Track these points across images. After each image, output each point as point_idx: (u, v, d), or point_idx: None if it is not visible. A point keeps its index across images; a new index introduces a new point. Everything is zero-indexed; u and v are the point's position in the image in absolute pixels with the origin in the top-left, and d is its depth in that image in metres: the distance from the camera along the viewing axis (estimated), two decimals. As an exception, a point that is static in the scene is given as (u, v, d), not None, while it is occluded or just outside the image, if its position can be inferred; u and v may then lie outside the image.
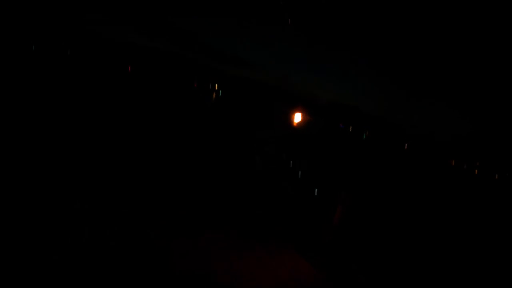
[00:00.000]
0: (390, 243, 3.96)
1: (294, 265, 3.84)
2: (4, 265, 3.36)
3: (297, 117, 4.16)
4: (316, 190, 4.03)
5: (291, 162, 4.12)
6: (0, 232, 3.62)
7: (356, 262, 3.86)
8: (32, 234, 3.68)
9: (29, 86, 4.55)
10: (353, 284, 3.64)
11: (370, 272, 3.89)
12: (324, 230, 3.80)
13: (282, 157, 4.14)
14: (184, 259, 3.76)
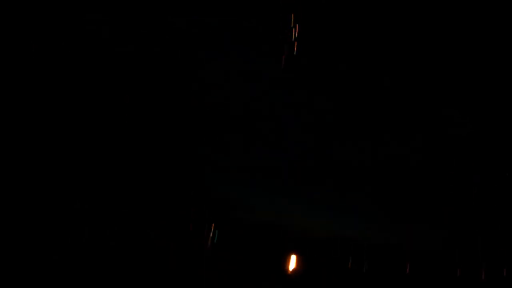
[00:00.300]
0: None
1: None
2: (4, 265, 3.36)
3: (292, 261, 4.06)
4: None
5: None
6: (0, 232, 3.62)
7: None
8: (32, 234, 3.67)
9: (29, 86, 4.54)
10: None
11: None
12: None
13: None
14: (183, 260, 3.75)
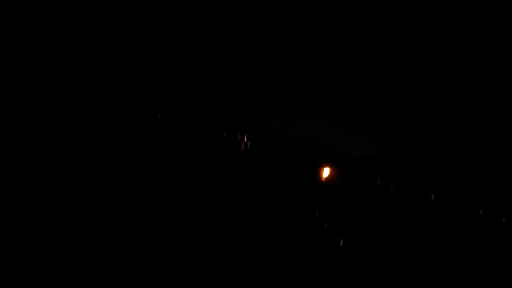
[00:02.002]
0: None
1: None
2: (4, 265, 3.36)
3: (326, 172, 4.18)
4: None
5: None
6: (0, 232, 3.62)
7: None
8: (32, 234, 3.67)
9: (29, 86, 4.54)
10: None
11: None
12: None
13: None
14: (182, 262, 3.75)
